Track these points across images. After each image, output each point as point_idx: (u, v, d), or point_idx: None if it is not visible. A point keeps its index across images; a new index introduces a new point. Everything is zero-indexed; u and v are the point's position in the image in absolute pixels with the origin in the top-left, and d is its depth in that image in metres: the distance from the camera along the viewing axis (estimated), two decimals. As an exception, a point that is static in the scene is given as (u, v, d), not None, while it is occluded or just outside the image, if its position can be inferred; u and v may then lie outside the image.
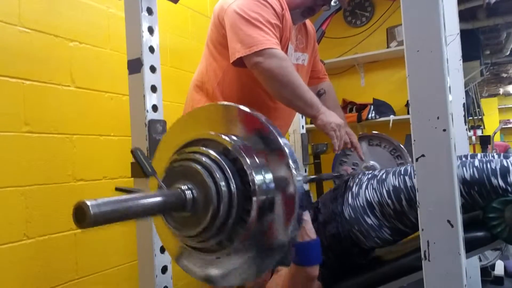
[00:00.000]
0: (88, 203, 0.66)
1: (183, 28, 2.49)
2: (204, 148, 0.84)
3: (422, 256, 0.88)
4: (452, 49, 2.11)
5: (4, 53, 1.55)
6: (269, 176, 0.82)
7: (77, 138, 1.79)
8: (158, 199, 0.78)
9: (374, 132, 2.27)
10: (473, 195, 1.30)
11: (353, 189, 1.48)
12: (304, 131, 3.00)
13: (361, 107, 3.52)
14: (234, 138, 0.86)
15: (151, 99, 1.45)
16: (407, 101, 2.46)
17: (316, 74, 1.94)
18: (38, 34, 1.66)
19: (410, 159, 2.10)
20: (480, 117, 6.54)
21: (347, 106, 3.62)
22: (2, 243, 1.50)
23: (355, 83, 3.84)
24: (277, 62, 1.44)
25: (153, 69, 1.43)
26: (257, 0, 1.50)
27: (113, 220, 0.70)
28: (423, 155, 0.88)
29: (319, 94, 1.91)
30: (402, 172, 1.41)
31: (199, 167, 0.81)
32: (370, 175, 1.52)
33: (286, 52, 1.61)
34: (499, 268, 3.23)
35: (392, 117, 3.40)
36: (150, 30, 1.43)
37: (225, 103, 0.95)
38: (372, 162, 2.16)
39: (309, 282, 1.33)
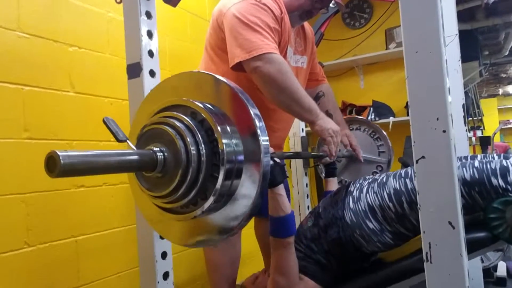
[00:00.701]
0: (59, 153, 0.68)
1: (182, 32, 2.49)
2: (176, 113, 0.88)
3: (424, 258, 0.88)
4: (451, 50, 2.12)
5: (3, 59, 1.55)
6: (238, 143, 0.85)
7: (77, 144, 1.79)
8: (130, 157, 0.81)
9: (354, 116, 2.33)
10: (474, 195, 1.30)
11: (354, 194, 1.48)
12: (304, 134, 3.00)
13: (361, 109, 3.51)
14: (207, 104, 0.88)
15: (150, 103, 1.45)
16: (407, 103, 2.47)
17: (315, 76, 1.94)
18: (37, 39, 1.66)
19: (389, 140, 2.19)
20: (479, 117, 6.54)
21: (346, 108, 3.62)
22: (3, 251, 1.49)
23: (354, 85, 3.84)
24: (275, 67, 1.44)
25: (152, 73, 1.43)
26: (256, 4, 1.50)
27: (82, 171, 0.73)
28: (423, 157, 0.88)
29: (317, 96, 1.91)
30: (403, 175, 1.41)
31: (170, 129, 0.84)
32: (370, 179, 1.52)
33: (285, 55, 1.61)
34: (502, 269, 3.22)
35: (391, 118, 3.40)
36: (149, 34, 1.43)
37: (202, 71, 0.98)
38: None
39: (287, 248, 1.37)
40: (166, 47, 2.33)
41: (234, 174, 0.84)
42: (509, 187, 1.26)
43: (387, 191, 1.39)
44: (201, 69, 1.69)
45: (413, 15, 0.90)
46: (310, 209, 3.03)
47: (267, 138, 0.85)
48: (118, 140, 0.90)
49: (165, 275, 1.39)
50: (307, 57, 1.81)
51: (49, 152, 0.68)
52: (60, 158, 0.67)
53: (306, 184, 2.98)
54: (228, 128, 0.85)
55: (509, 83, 12.04)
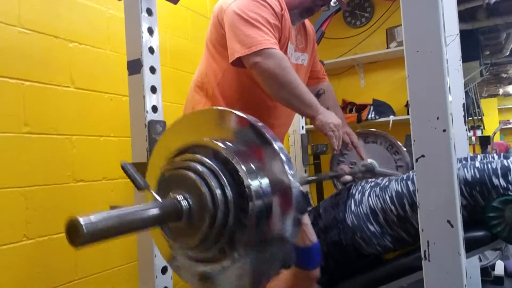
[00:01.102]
0: (81, 220, 0.63)
1: (183, 29, 2.49)
2: (197, 156, 0.82)
3: (422, 256, 0.88)
4: (452, 49, 2.12)
5: (4, 54, 1.55)
6: (265, 181, 0.80)
7: (77, 139, 1.79)
8: (154, 211, 0.75)
9: (370, 129, 2.26)
10: (475, 195, 1.30)
11: (356, 196, 1.48)
12: (304, 131, 3.00)
13: (361, 108, 3.52)
14: (228, 143, 0.83)
15: (151, 100, 1.45)
16: (407, 102, 2.47)
17: (316, 74, 1.94)
18: (37, 35, 1.66)
19: (407, 154, 2.08)
20: (480, 117, 6.55)
21: (347, 106, 3.62)
22: (2, 244, 1.50)
23: (355, 83, 3.84)
24: (275, 62, 1.43)
25: (153, 70, 1.43)
26: (256, 1, 1.50)
27: (108, 236, 0.67)
28: (423, 156, 0.88)
29: (318, 94, 1.91)
30: (405, 178, 1.41)
31: (193, 175, 0.79)
32: (373, 183, 1.52)
33: (285, 51, 1.61)
34: (499, 268, 3.23)
35: (392, 117, 3.40)
36: (150, 31, 1.43)
37: (220, 107, 0.93)
38: (369, 160, 2.12)
39: (313, 282, 1.34)
40: (167, 44, 2.33)
41: (264, 216, 0.79)
42: (510, 186, 1.26)
43: (389, 194, 1.39)
44: (202, 65, 1.69)
45: (414, 15, 0.90)
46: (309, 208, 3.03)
47: (293, 171, 0.80)
48: (139, 189, 0.85)
49: (164, 270, 1.39)
50: (308, 55, 1.80)
51: (69, 219, 0.64)
52: (83, 226, 0.62)
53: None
54: (253, 166, 0.80)
55: (509, 83, 12.04)
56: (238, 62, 1.46)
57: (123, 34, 1.44)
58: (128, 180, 0.98)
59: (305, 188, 3.17)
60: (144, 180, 0.87)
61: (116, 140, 1.97)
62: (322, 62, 2.75)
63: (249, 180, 0.77)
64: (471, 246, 1.28)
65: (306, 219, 1.37)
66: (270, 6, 1.51)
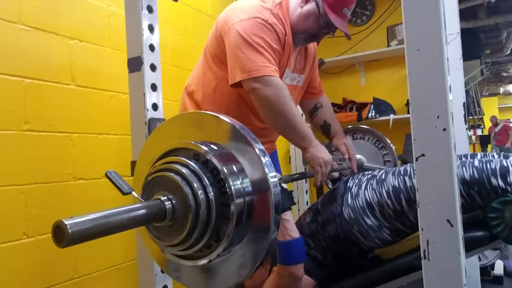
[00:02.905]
0: (66, 222, 0.66)
1: (184, 27, 2.49)
2: (179, 157, 0.86)
3: (422, 255, 0.88)
4: (453, 48, 2.12)
5: (4, 51, 1.54)
6: (246, 181, 0.84)
7: (77, 137, 1.79)
8: (138, 212, 0.79)
9: (358, 125, 2.30)
10: (473, 195, 1.30)
11: (353, 190, 1.48)
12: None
13: (361, 106, 3.51)
14: (211, 145, 0.87)
15: (151, 97, 1.45)
16: (407, 100, 2.47)
17: (313, 90, 1.93)
18: (38, 32, 1.66)
19: (393, 148, 2.16)
20: (480, 116, 6.54)
21: (347, 105, 3.62)
22: (1, 242, 1.49)
23: (355, 82, 3.83)
24: (274, 91, 1.44)
25: (153, 67, 1.43)
26: (262, 24, 1.48)
27: (92, 236, 0.71)
28: (423, 155, 0.88)
29: (315, 108, 1.92)
30: (402, 172, 1.41)
31: (175, 176, 0.83)
32: (369, 176, 1.52)
33: (282, 74, 1.60)
34: (499, 268, 3.23)
35: (392, 116, 3.40)
36: (151, 28, 1.43)
37: (202, 111, 0.97)
38: (358, 156, 2.19)
39: (294, 281, 1.34)
40: (167, 41, 2.33)
41: (246, 212, 0.83)
42: (508, 187, 1.26)
43: (386, 188, 1.39)
44: (197, 71, 1.68)
45: (415, 13, 0.90)
46: (309, 205, 3.04)
47: (274, 174, 0.85)
48: (123, 193, 0.88)
49: (164, 269, 1.39)
50: (305, 76, 1.80)
51: (55, 222, 0.67)
52: (68, 227, 0.66)
53: (306, 180, 2.99)
54: (234, 167, 0.84)
55: (510, 82, 12.04)
56: (238, 84, 1.46)
57: (124, 32, 1.44)
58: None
59: (305, 187, 3.17)
60: (128, 185, 0.89)
61: (117, 138, 1.97)
62: (323, 60, 2.75)
63: (230, 180, 0.81)
64: (471, 246, 1.28)
65: (288, 215, 1.38)
66: (275, 30, 1.49)
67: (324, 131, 1.89)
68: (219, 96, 1.58)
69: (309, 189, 3.23)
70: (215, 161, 0.83)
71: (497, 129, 9.89)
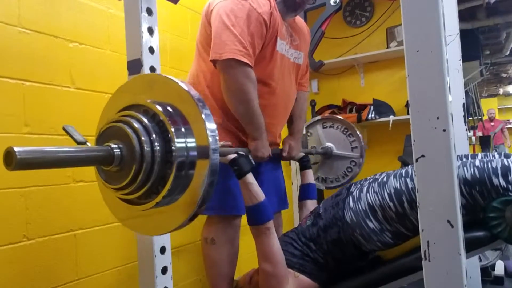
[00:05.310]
0: (16, 149, 0.76)
1: (183, 29, 2.49)
2: (136, 113, 0.95)
3: (422, 256, 0.88)
4: (452, 49, 2.12)
5: (4, 54, 1.54)
6: (191, 143, 0.92)
7: (77, 139, 1.79)
8: (88, 153, 0.91)
9: (327, 115, 2.42)
10: (474, 195, 1.30)
11: (354, 193, 1.48)
12: (304, 131, 3.00)
13: (361, 108, 3.52)
14: (168, 107, 0.95)
15: (151, 99, 1.45)
16: (407, 102, 2.47)
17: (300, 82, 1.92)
18: (38, 35, 1.66)
19: (360, 135, 2.32)
20: (480, 117, 6.54)
21: (347, 106, 3.62)
22: (2, 244, 1.49)
23: (355, 83, 3.84)
24: (240, 78, 1.47)
25: (153, 69, 1.43)
26: (240, 3, 1.49)
27: (40, 165, 0.81)
28: (423, 156, 0.88)
29: None
30: (403, 174, 1.41)
31: (128, 128, 0.92)
32: (371, 179, 1.52)
33: (274, 44, 1.60)
34: (499, 268, 3.22)
35: (392, 117, 3.41)
36: (150, 31, 1.43)
37: (164, 75, 1.03)
38: (328, 144, 2.38)
39: (266, 235, 1.42)
40: (167, 43, 2.33)
41: (187, 166, 0.91)
42: (510, 186, 1.26)
43: (388, 191, 1.39)
44: (193, 64, 1.72)
45: (414, 14, 0.90)
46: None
47: (216, 138, 0.91)
48: (78, 143, 0.98)
49: (164, 270, 1.39)
50: (304, 53, 1.80)
51: (7, 148, 0.76)
52: (17, 153, 0.75)
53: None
54: (183, 129, 0.92)
55: (509, 83, 12.04)
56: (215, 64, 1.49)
57: (123, 34, 1.44)
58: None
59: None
60: (83, 137, 1.01)
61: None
62: (322, 62, 2.76)
63: (175, 140, 0.90)
64: (471, 246, 1.28)
65: (251, 178, 1.43)
66: (255, 9, 1.50)
67: (287, 124, 1.91)
68: (217, 83, 1.59)
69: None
70: (165, 119, 0.91)
71: (496, 130, 9.89)
